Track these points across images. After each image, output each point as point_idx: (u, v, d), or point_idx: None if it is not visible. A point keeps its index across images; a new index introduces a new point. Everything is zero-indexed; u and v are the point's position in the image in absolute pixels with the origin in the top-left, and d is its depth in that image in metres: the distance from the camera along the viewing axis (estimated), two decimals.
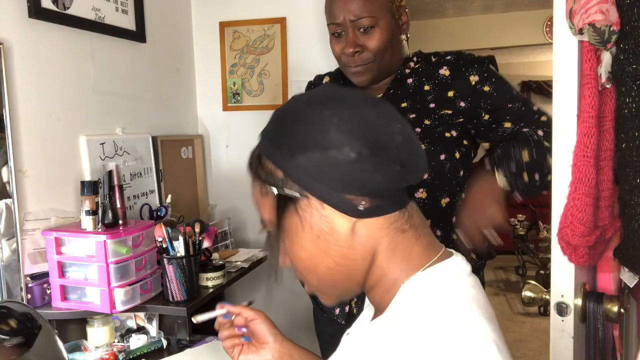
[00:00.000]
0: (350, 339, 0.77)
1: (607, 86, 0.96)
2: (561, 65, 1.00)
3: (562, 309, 1.05)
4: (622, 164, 0.94)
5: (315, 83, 1.52)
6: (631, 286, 1.04)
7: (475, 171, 1.32)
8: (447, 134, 1.27)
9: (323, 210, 0.66)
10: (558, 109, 1.02)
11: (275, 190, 0.68)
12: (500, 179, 1.23)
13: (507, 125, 1.29)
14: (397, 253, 0.69)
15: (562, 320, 1.05)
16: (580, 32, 0.90)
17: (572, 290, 1.04)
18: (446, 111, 1.28)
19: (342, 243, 0.67)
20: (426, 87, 1.31)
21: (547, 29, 5.12)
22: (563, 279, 1.05)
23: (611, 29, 0.87)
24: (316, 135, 0.64)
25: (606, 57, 0.94)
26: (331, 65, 1.56)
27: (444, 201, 1.27)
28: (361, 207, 0.66)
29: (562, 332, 1.05)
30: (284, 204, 0.68)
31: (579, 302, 1.04)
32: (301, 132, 0.65)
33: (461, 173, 1.29)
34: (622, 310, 1.04)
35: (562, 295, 1.05)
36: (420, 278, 0.68)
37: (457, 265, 0.70)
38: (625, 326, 1.22)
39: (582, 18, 0.88)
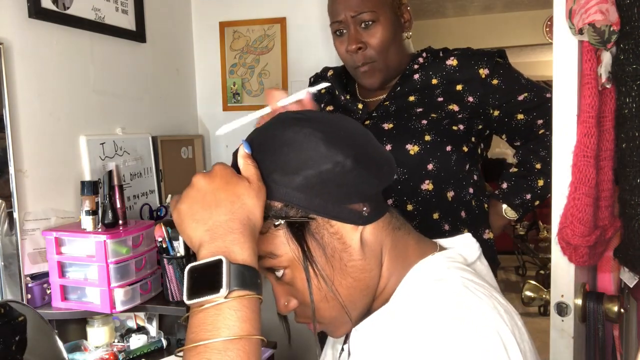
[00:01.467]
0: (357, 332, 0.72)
1: (607, 86, 0.96)
2: (561, 65, 1.00)
3: (562, 309, 1.05)
4: (622, 164, 0.94)
5: (322, 75, 1.50)
6: (631, 286, 1.04)
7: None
8: (455, 127, 1.26)
9: (331, 228, 0.65)
10: (558, 109, 1.02)
11: (282, 221, 0.63)
12: (509, 212, 1.34)
13: (520, 117, 1.29)
14: (398, 252, 0.69)
15: (562, 320, 1.05)
16: (580, 32, 0.90)
17: (572, 290, 1.04)
18: (453, 107, 1.27)
19: (356, 256, 0.66)
20: (434, 81, 1.31)
21: (547, 29, 5.12)
22: (563, 279, 1.05)
23: (611, 28, 0.87)
24: (307, 153, 0.63)
25: (606, 57, 0.94)
26: (331, 65, 1.56)
27: (450, 194, 1.27)
28: (365, 214, 0.66)
29: (562, 332, 1.05)
30: (299, 233, 0.64)
31: (579, 302, 1.04)
32: (289, 155, 0.63)
33: (467, 167, 1.29)
34: (622, 310, 1.04)
35: (562, 295, 1.05)
36: (415, 273, 0.67)
37: (449, 256, 0.70)
38: (625, 326, 1.22)
39: (581, 18, 0.88)
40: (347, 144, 0.64)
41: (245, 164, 0.64)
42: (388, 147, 1.25)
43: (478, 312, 0.60)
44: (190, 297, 0.56)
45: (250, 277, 0.56)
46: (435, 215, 1.26)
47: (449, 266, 0.67)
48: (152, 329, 1.68)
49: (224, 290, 0.54)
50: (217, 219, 0.59)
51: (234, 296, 0.55)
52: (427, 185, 1.25)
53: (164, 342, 1.60)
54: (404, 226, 0.72)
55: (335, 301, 0.66)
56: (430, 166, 1.24)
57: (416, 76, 1.33)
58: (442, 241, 0.75)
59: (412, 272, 0.68)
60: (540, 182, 1.29)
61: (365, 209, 0.66)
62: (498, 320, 0.60)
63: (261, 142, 0.66)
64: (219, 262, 0.55)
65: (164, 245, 1.56)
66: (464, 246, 0.74)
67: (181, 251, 1.56)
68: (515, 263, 5.17)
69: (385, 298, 0.69)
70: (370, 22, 1.25)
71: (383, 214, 0.69)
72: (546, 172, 1.25)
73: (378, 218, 0.68)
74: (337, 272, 0.65)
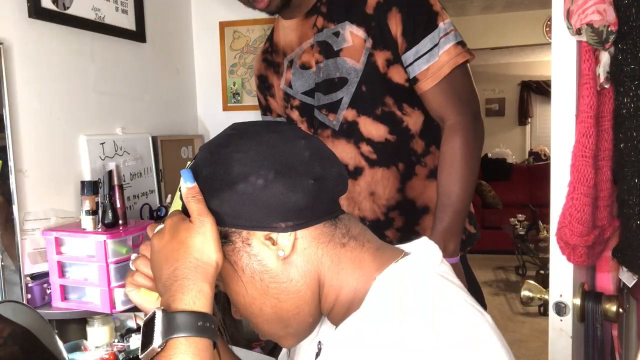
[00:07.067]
0: (327, 345, 0.71)
1: (606, 86, 0.96)
2: (560, 65, 1.00)
3: (560, 309, 1.05)
4: (621, 164, 0.94)
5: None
6: (630, 286, 1.04)
7: None
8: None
9: (250, 249, 0.64)
10: (557, 109, 1.02)
11: None
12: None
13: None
14: (345, 267, 0.67)
15: (561, 320, 1.05)
16: (578, 32, 0.90)
17: (570, 290, 1.05)
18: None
19: (279, 278, 0.65)
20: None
21: (547, 29, 5.13)
22: (562, 278, 1.05)
23: (609, 29, 0.87)
24: (222, 175, 0.64)
25: (604, 57, 0.94)
26: None
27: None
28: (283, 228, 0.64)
29: (560, 331, 1.05)
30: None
31: (578, 301, 1.04)
32: (208, 177, 0.65)
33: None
34: (620, 310, 1.04)
35: (561, 295, 1.05)
36: (383, 278, 0.66)
37: (414, 261, 0.68)
38: (625, 326, 1.22)
39: (579, 18, 0.88)
40: (263, 162, 0.63)
41: (187, 202, 0.65)
42: None
43: (454, 316, 0.60)
44: (141, 353, 0.59)
45: (186, 322, 0.58)
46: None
47: (413, 272, 0.66)
48: None
49: (157, 342, 0.57)
50: (166, 272, 0.62)
51: (170, 344, 0.57)
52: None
53: None
54: (354, 241, 0.69)
55: (265, 317, 0.67)
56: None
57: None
58: (403, 246, 0.73)
59: (378, 281, 0.66)
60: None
61: (290, 225, 0.64)
62: (475, 320, 0.60)
63: (195, 163, 0.70)
64: (153, 315, 0.59)
65: None
66: (426, 249, 0.71)
67: None
68: (515, 263, 5.18)
69: (347, 306, 0.67)
70: None
71: (316, 223, 0.66)
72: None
73: (307, 227, 0.66)
74: (260, 292, 0.66)
